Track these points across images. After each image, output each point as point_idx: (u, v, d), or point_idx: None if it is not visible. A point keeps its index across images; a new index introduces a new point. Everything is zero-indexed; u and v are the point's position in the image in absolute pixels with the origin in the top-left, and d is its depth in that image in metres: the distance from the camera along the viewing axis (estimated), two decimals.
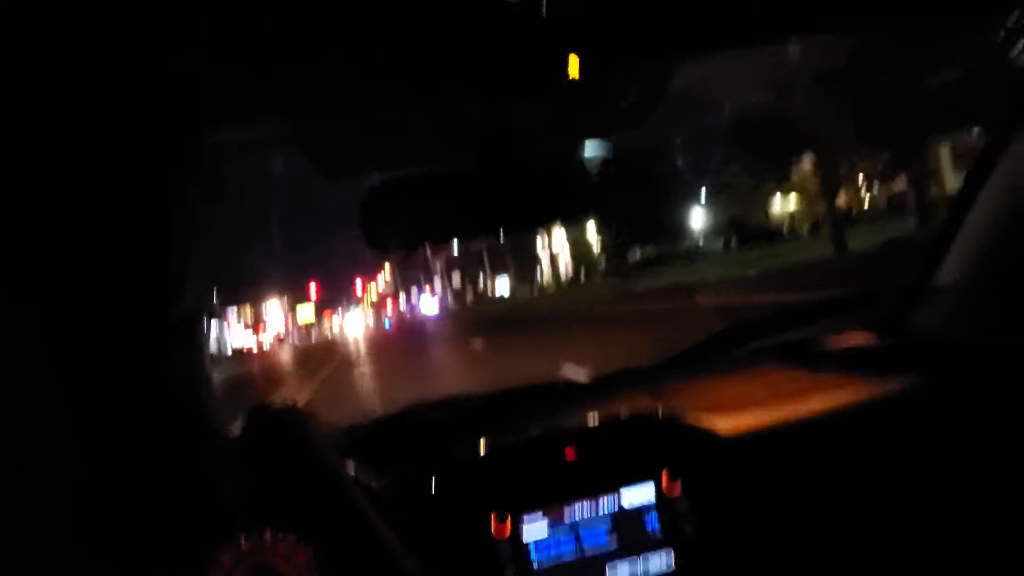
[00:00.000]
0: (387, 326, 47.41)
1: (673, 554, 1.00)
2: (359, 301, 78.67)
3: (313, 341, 50.32)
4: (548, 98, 1.12)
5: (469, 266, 50.69)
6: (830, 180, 19.93)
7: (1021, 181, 1.09)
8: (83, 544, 0.39)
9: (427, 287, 59.66)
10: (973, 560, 1.00)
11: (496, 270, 46.02)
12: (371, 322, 59.76)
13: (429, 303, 52.63)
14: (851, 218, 22.67)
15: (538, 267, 42.16)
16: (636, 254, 31.46)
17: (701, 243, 30.06)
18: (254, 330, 51.29)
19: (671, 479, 1.03)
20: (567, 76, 1.04)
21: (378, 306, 70.55)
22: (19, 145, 0.36)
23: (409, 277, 65.59)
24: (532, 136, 1.14)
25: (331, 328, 66.11)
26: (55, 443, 0.38)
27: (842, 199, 23.06)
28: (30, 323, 0.36)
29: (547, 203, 1.07)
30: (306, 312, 62.69)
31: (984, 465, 1.02)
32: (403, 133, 1.09)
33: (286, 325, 52.97)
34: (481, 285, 51.26)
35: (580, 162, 1.13)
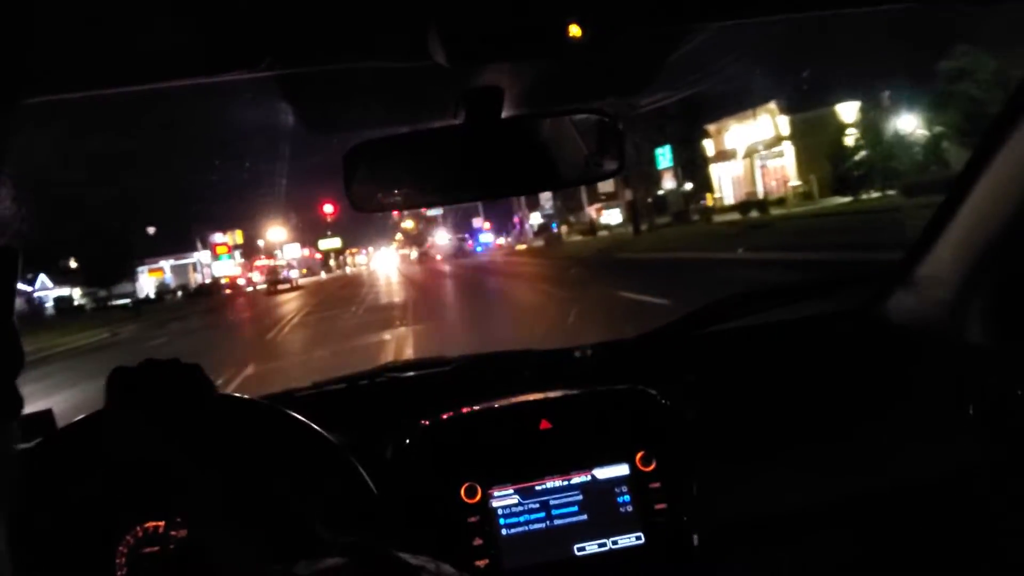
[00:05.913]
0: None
1: (643, 531, 1.01)
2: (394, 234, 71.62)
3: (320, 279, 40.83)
4: (545, 60, 1.10)
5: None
6: None
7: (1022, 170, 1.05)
8: None
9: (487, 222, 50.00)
10: None
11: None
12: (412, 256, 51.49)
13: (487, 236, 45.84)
14: None
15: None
16: None
17: None
18: (245, 268, 41.91)
19: (645, 461, 1.03)
20: (567, 38, 1.02)
21: (417, 239, 64.46)
22: None
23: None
24: (526, 98, 1.13)
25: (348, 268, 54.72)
26: None
27: None
28: None
29: (536, 168, 1.04)
30: (331, 243, 58.44)
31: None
32: (391, 89, 1.08)
33: (267, 268, 36.00)
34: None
35: (572, 127, 1.10)
